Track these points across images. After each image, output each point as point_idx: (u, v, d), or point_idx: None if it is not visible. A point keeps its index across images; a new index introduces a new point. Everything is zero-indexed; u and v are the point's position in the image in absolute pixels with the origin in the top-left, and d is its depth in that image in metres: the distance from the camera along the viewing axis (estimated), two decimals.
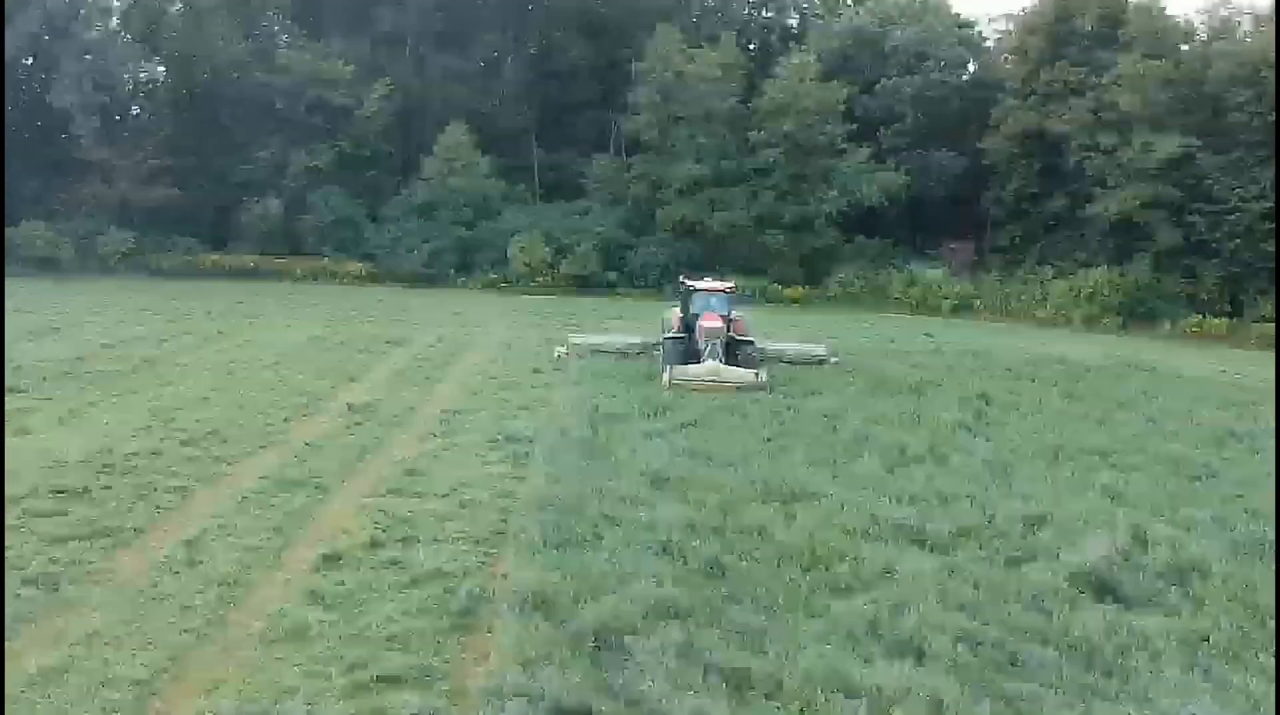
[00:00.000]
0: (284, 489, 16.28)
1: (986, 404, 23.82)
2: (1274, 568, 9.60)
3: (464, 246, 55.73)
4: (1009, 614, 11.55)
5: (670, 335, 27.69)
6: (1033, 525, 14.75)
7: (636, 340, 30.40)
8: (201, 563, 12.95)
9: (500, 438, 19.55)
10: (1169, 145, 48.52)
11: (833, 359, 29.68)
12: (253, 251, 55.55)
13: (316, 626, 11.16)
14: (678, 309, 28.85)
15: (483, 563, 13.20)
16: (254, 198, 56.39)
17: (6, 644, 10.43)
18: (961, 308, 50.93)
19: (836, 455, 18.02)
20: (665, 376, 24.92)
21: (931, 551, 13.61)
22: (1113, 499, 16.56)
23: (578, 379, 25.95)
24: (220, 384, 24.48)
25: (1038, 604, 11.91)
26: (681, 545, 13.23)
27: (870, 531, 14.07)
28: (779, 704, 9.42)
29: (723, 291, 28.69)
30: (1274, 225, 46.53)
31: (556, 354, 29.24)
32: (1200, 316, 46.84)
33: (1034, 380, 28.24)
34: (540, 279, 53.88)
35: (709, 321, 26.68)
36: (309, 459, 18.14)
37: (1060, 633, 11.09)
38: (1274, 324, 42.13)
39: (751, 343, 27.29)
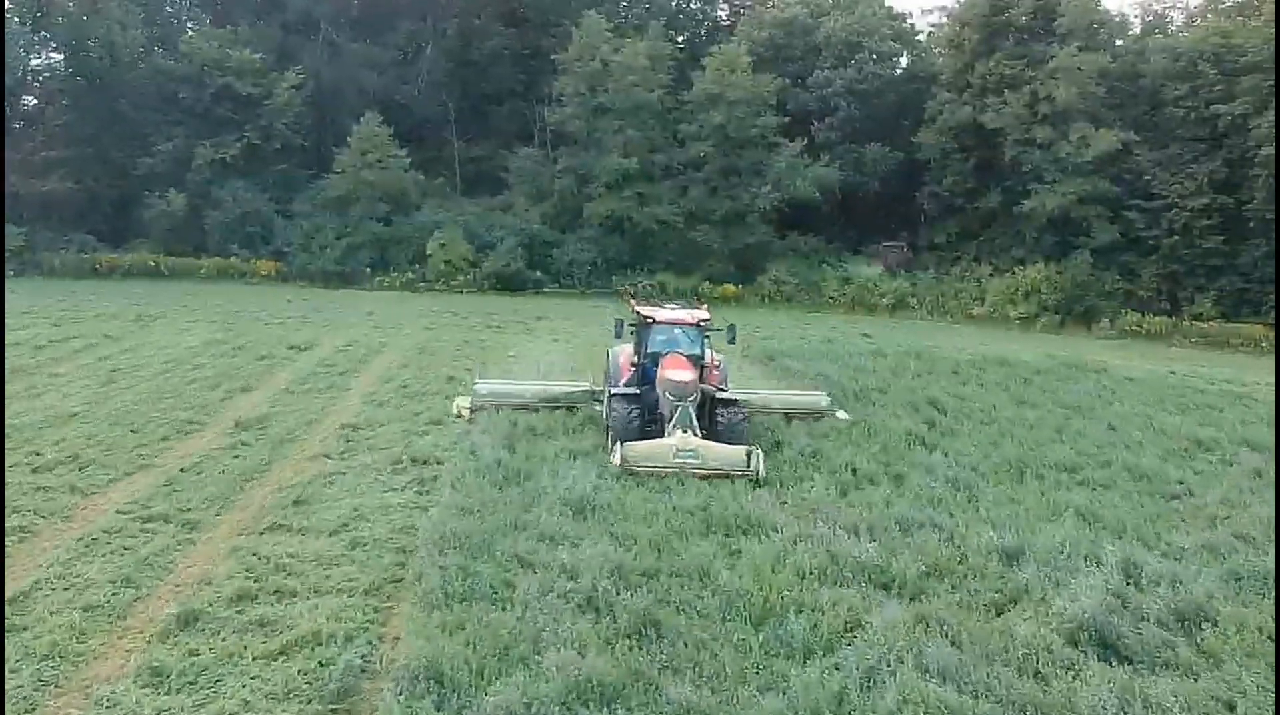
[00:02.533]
0: (145, 526, 13.92)
1: (938, 412, 22.08)
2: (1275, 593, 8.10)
3: (380, 243, 53.02)
4: (999, 681, 9.65)
5: (619, 390, 18.50)
6: (1010, 560, 12.92)
7: (568, 388, 21.53)
8: (24, 630, 10.62)
9: (405, 460, 17.30)
10: (1106, 140, 47.58)
11: (841, 414, 21.33)
12: (154, 250, 52.27)
13: None
14: (627, 348, 19.83)
15: (370, 622, 11.02)
16: (156, 192, 53.06)
17: None
18: (898, 307, 49.53)
19: (782, 476, 16.10)
20: (614, 456, 16.45)
21: (900, 597, 11.69)
22: (1090, 524, 14.82)
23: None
24: (95, 397, 21.86)
25: (1031, 666, 10.04)
26: (608, 596, 11.15)
27: (828, 573, 12.11)
28: None
29: (693, 324, 19.19)
30: (1214, 223, 45.83)
31: (456, 410, 20.68)
32: (1140, 314, 45.92)
33: (982, 384, 26.63)
34: (461, 278, 51.40)
35: (675, 371, 17.79)
36: (181, 487, 15.76)
37: (1062, 706, 9.22)
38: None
39: (736, 402, 18.45)
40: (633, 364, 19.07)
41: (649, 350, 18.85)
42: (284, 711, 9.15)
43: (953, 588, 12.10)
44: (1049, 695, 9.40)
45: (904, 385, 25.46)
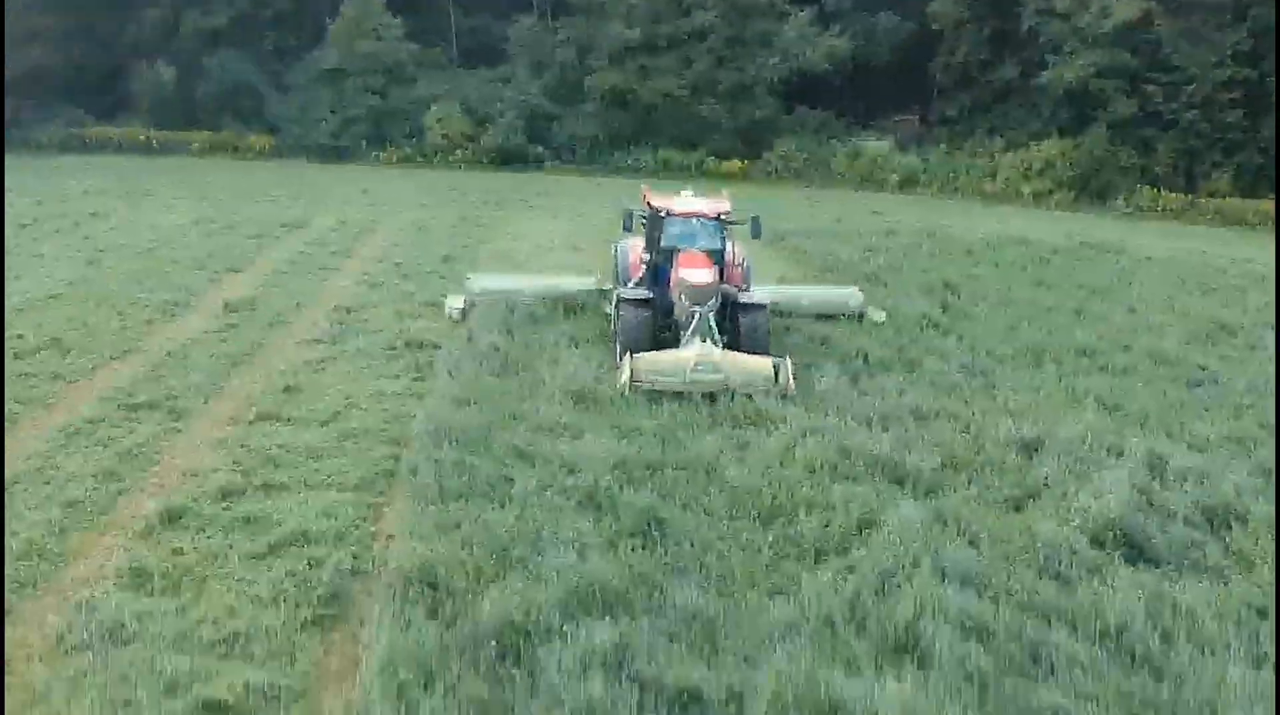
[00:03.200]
0: (129, 416, 13.38)
1: (952, 294, 21.35)
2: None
3: (376, 117, 51.38)
4: (1021, 585, 9.18)
5: (628, 293, 16.12)
6: (1030, 452, 12.39)
7: (573, 285, 19.36)
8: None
9: (399, 344, 16.68)
10: (1127, 9, 45.59)
11: (876, 315, 19.18)
12: (145, 124, 50.80)
13: (131, 625, 8.45)
14: (637, 243, 17.41)
15: (361, 519, 10.53)
16: (144, 61, 51.31)
17: None
18: (908, 183, 48.22)
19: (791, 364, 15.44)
20: (623, 372, 14.29)
21: (915, 493, 11.18)
22: (1112, 413, 14.26)
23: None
24: (78, 277, 21.17)
25: (1054, 569, 9.56)
26: (610, 493, 10.63)
27: (839, 468, 11.58)
28: None
29: (712, 217, 16.65)
30: (1236, 96, 44.27)
31: (449, 311, 18.55)
32: (1156, 190, 44.69)
33: (997, 265, 25.82)
34: (459, 153, 50.02)
35: (692, 271, 15.40)
36: (167, 374, 15.18)
37: (1088, 613, 8.74)
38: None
39: (761, 307, 15.97)
40: (643, 262, 16.64)
41: (662, 246, 16.41)
42: (270, 616, 8.67)
43: (970, 482, 11.58)
44: (1074, 601, 8.92)
45: (917, 266, 24.68)
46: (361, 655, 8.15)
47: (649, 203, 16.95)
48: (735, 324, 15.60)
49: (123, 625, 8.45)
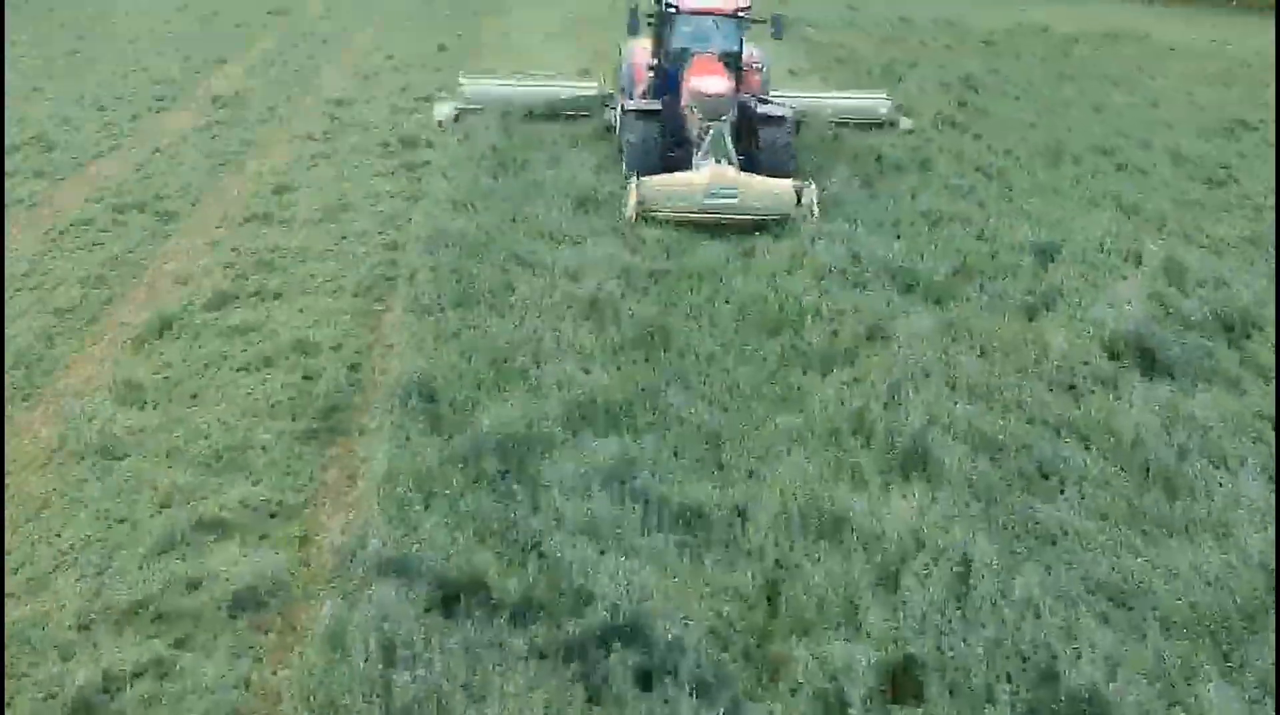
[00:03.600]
0: (117, 218, 13.02)
1: (970, 89, 20.49)
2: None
3: None
4: (1031, 398, 8.97)
5: (634, 104, 14.59)
6: (1045, 257, 12.01)
7: (575, 89, 17.65)
8: None
9: (393, 141, 16.09)
10: None
11: (905, 122, 17.64)
12: None
13: (125, 439, 8.31)
14: (644, 46, 15.59)
15: (358, 327, 10.29)
16: None
17: None
18: None
19: (801, 165, 14.84)
20: (630, 199, 12.63)
21: (925, 300, 10.88)
22: (1130, 215, 13.80)
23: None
24: (59, 71, 20.37)
25: (1065, 380, 9.33)
26: (613, 301, 10.33)
27: (849, 274, 11.23)
28: (747, 568, 6.87)
29: (729, 14, 14.79)
30: None
31: (437, 118, 16.76)
32: None
33: (1017, 56, 24.75)
34: None
35: (705, 79, 13.77)
36: (155, 173, 14.73)
37: (1100, 427, 8.56)
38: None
39: (783, 120, 14.10)
40: (651, 69, 15.00)
41: (673, 47, 14.73)
42: (265, 428, 8.51)
43: (982, 289, 11.24)
44: (1086, 414, 8.72)
45: (934, 58, 23.69)
46: (360, 470, 8.04)
47: None
48: (754, 139, 13.91)
49: (116, 438, 8.30)
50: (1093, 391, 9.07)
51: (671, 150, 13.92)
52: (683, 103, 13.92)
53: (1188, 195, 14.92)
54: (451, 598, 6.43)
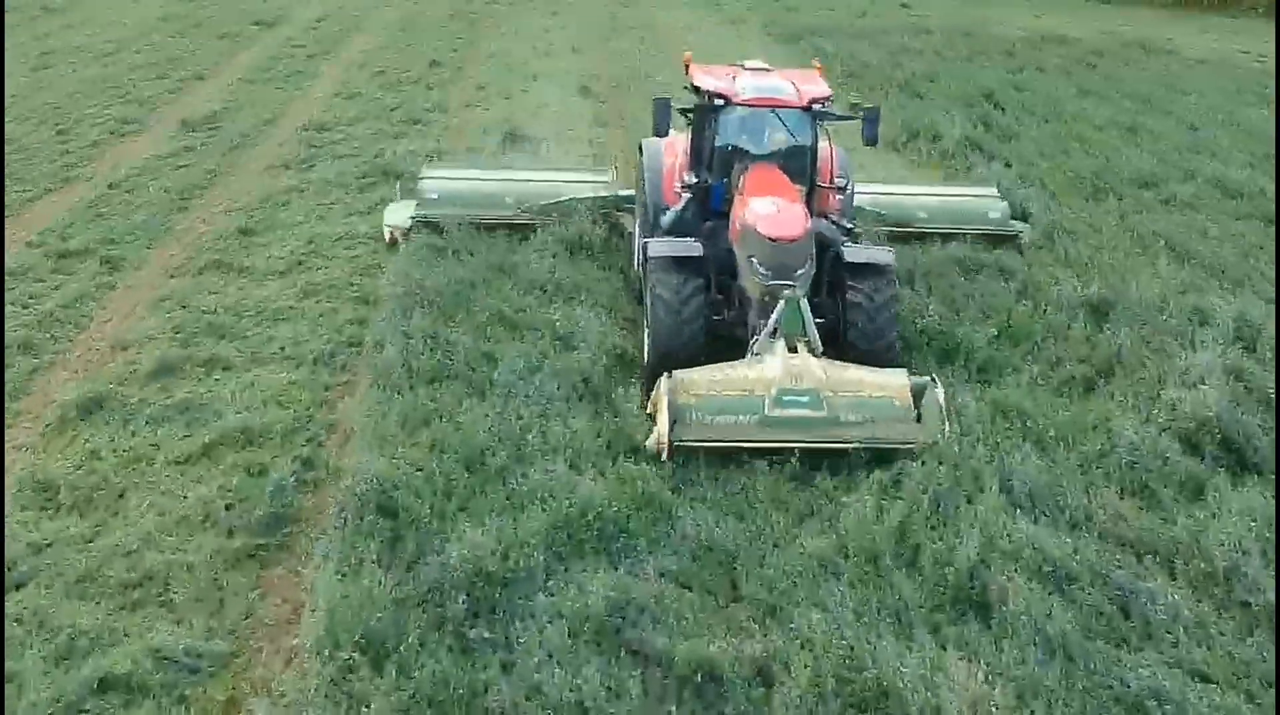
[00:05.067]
0: (58, 266, 11.79)
1: (995, 108, 19.11)
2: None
3: None
4: (1102, 509, 7.59)
5: (666, 249, 9.39)
6: (1098, 316, 10.65)
7: (580, 182, 12.87)
8: None
9: (374, 172, 14.68)
10: None
11: (1022, 232, 12.80)
12: None
13: (26, 560, 7.03)
14: (674, 145, 10.96)
15: (315, 408, 8.98)
16: None
17: None
18: None
19: None
20: (659, 414, 8.17)
21: (968, 373, 9.53)
22: (1185, 261, 12.42)
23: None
24: (21, 87, 19.03)
25: (1139, 480, 7.98)
26: (610, 377, 8.98)
27: None
28: None
29: (800, 107, 10.06)
30: None
31: (387, 232, 12.25)
32: None
33: (1041, 69, 23.33)
34: None
35: (770, 215, 9.01)
36: (108, 211, 13.43)
37: (1188, 549, 7.18)
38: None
39: (884, 272, 9.32)
40: (685, 187, 10.15)
41: (719, 153, 10.15)
42: (196, 547, 7.18)
43: (1029, 356, 9.88)
44: (1169, 531, 7.36)
45: (954, 72, 22.26)
46: (305, 600, 6.71)
47: (695, 83, 10.45)
48: (838, 300, 9.38)
49: (16, 559, 6.98)
50: (1175, 500, 7.70)
51: (718, 316, 9.39)
52: (736, 248, 9.23)
53: (1245, 237, 13.52)
54: None
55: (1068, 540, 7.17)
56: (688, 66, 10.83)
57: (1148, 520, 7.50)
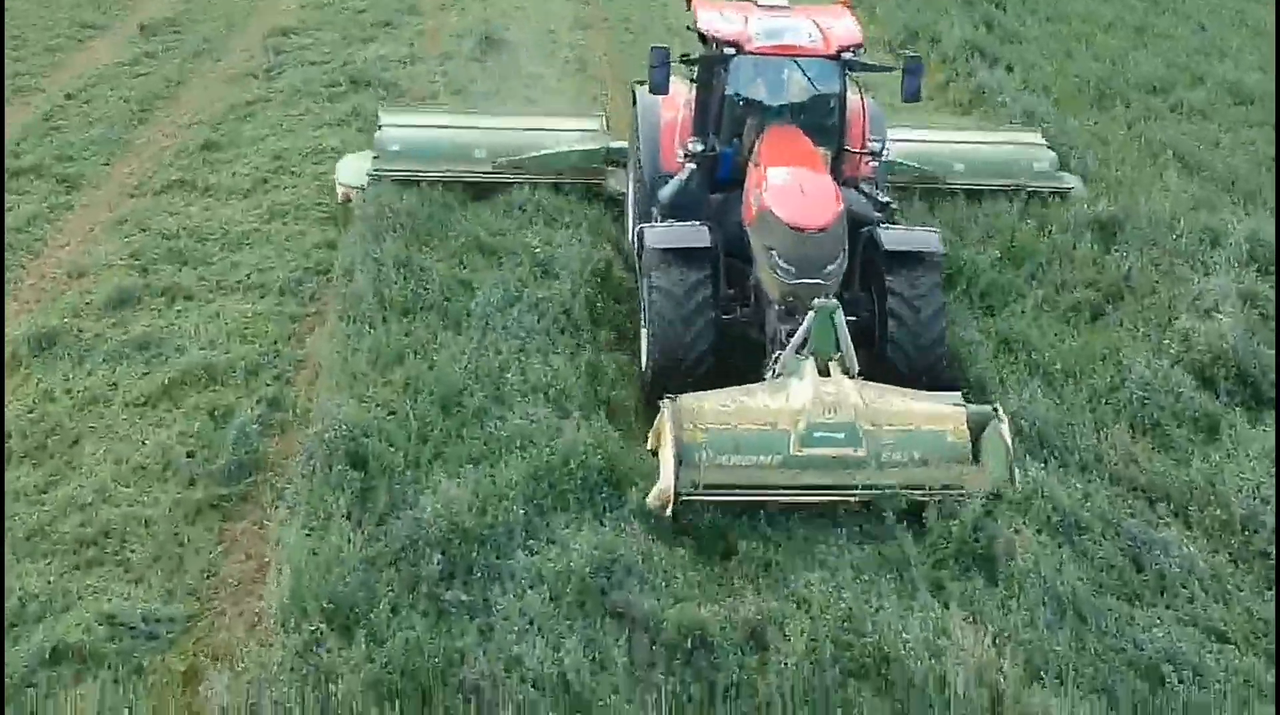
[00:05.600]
0: (10, 185, 10.99)
1: (997, 7, 18.21)
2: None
3: None
4: (1113, 450, 7.22)
5: (665, 237, 7.87)
6: (1106, 235, 10.12)
7: (563, 132, 10.99)
8: None
9: (343, 81, 13.88)
10: None
11: (1073, 186, 11.06)
12: None
13: None
14: (674, 101, 9.19)
15: (282, 342, 8.51)
16: None
17: None
18: None
19: None
20: (662, 456, 6.58)
21: (970, 297, 9.11)
22: (1195, 173, 11.81)
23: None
24: None
25: (1150, 417, 7.60)
26: (593, 305, 8.50)
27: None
28: None
29: (828, 56, 8.42)
30: None
31: (340, 188, 10.54)
32: None
33: None
34: None
35: (794, 197, 7.49)
36: (64, 124, 12.77)
37: (1203, 494, 6.83)
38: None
39: (928, 262, 7.78)
40: (688, 155, 8.40)
41: (729, 115, 8.65)
42: (154, 499, 6.77)
43: (1034, 280, 9.41)
44: (1184, 474, 6.99)
45: None
46: (270, 557, 6.32)
47: (700, 25, 8.83)
48: (873, 290, 7.90)
49: None
50: (1189, 440, 7.32)
51: (729, 309, 7.91)
52: (747, 219, 7.82)
53: (1257, 146, 12.94)
54: None
55: (1078, 485, 6.80)
56: (689, 2, 9.26)
57: (1160, 462, 7.15)
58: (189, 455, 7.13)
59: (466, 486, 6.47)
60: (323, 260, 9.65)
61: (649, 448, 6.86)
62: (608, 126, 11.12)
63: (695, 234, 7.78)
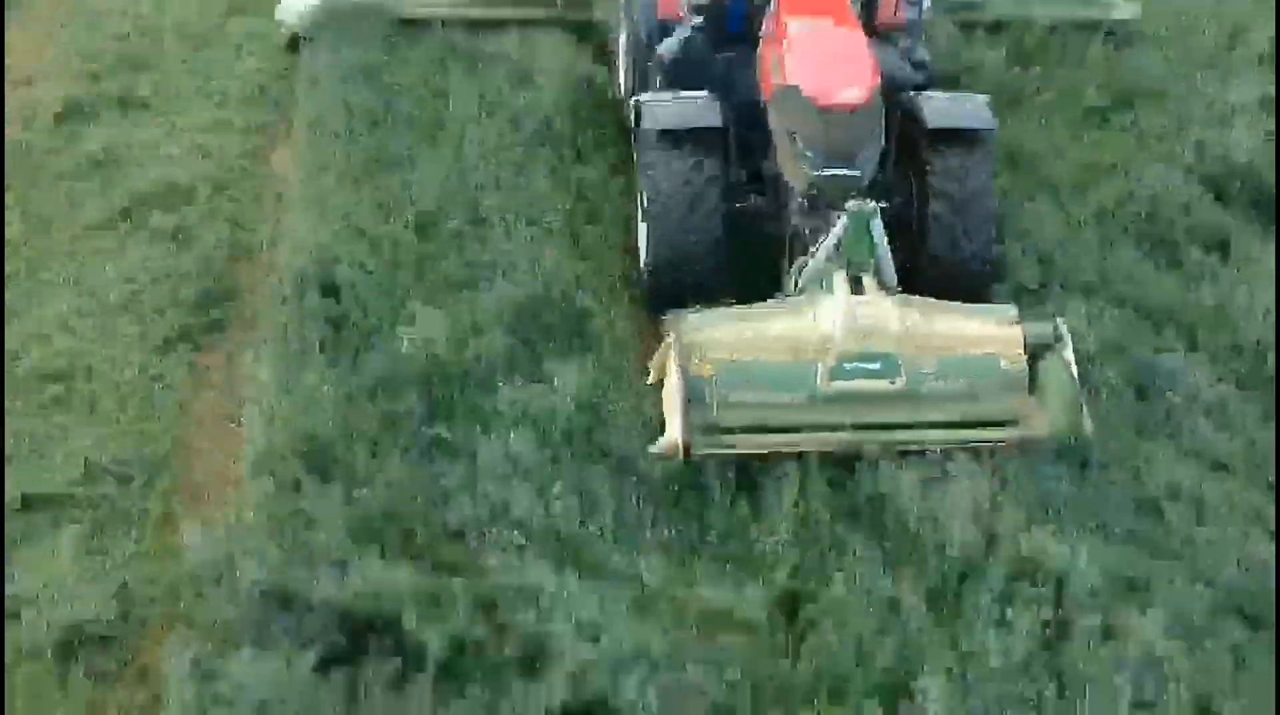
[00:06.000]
0: None
1: None
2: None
3: None
4: (1120, 268, 6.96)
5: (667, 114, 6.40)
6: (1115, 36, 9.49)
7: None
8: None
9: None
10: None
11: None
12: None
13: None
14: None
15: (246, 157, 7.99)
16: None
17: None
18: None
19: None
20: (668, 389, 5.62)
21: None
22: None
23: None
24: None
25: (1160, 235, 7.30)
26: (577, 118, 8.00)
27: None
28: (757, 580, 5.09)
29: None
30: None
31: (281, 24, 8.94)
32: None
33: None
34: None
35: (820, 63, 6.24)
36: None
37: (1211, 319, 6.63)
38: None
39: (979, 140, 6.42)
40: (690, 6, 6.98)
41: None
42: (118, 330, 6.49)
43: (1039, 86, 8.83)
44: (1193, 297, 6.74)
45: None
46: (243, 391, 6.10)
47: None
48: (910, 172, 6.62)
49: None
50: (1200, 262, 7.02)
51: (743, 197, 6.66)
52: (764, 90, 6.54)
53: None
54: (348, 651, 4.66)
55: (1082, 308, 6.54)
56: None
57: (1168, 282, 6.86)
58: (153, 281, 6.80)
59: (446, 318, 6.17)
60: (287, 63, 8.99)
61: (649, 381, 5.89)
62: None
63: (703, 111, 6.36)
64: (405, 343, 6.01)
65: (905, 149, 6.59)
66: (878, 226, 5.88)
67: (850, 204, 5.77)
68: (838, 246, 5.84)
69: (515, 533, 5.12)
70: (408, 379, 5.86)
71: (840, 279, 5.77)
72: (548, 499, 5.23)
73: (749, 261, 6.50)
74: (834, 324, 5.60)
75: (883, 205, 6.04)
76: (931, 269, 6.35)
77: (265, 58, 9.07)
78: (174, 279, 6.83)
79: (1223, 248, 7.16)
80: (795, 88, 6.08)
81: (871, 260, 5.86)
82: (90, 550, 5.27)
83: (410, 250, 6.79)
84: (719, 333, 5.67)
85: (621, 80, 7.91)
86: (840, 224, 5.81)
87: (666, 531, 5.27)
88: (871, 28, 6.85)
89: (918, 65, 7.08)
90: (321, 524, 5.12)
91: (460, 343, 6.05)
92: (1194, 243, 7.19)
